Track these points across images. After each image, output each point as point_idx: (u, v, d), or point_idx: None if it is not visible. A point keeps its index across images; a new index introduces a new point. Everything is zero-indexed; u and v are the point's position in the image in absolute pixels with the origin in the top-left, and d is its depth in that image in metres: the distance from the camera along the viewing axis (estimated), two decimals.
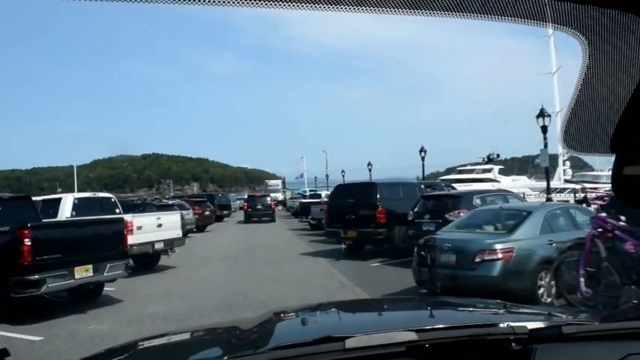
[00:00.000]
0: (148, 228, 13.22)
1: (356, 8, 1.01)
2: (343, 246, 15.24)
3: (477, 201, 13.22)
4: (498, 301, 2.26)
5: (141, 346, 2.04)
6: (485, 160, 65.92)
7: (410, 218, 13.79)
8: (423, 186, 17.51)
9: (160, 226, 13.56)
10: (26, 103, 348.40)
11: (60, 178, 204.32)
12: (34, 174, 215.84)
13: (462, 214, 12.66)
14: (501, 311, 2.05)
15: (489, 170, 58.25)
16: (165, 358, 1.98)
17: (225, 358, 1.47)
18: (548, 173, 22.14)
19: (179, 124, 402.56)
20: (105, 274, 9.23)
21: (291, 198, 49.63)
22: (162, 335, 2.25)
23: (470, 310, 2.36)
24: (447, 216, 12.80)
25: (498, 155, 68.17)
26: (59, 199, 13.91)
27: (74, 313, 8.84)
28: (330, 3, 0.97)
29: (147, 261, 14.26)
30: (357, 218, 15.16)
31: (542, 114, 19.60)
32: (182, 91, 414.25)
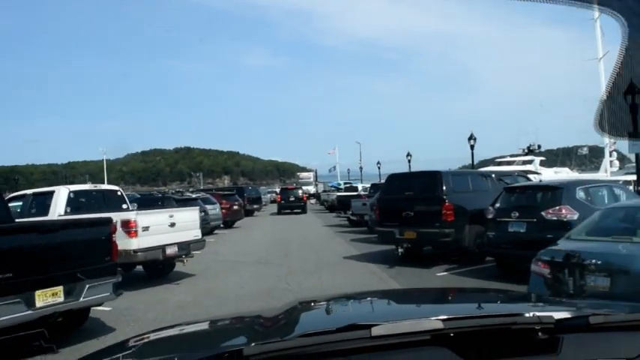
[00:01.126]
0: (158, 228, 10.44)
1: None
2: (400, 250, 12.18)
3: (580, 194, 9.99)
4: (524, 291, 2.47)
5: (165, 334, 2.00)
6: (526, 151, 62.09)
7: (490, 216, 10.66)
8: (493, 176, 14.27)
9: (173, 225, 10.75)
10: (61, 98, 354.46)
11: (94, 172, 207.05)
12: (70, 168, 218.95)
13: (564, 211, 9.51)
14: (528, 301, 2.13)
15: (530, 162, 54.65)
16: (189, 345, 1.85)
17: (253, 344, 1.33)
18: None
19: (211, 118, 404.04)
20: (82, 298, 6.43)
21: (325, 191, 46.60)
22: (187, 323, 2.17)
23: (496, 300, 2.32)
24: (543, 214, 9.64)
25: (539, 146, 64.00)
26: (52, 192, 11.27)
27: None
28: None
29: (160, 268, 11.55)
30: (416, 215, 12.11)
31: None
32: (215, 86, 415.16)
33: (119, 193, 12.42)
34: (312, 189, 62.60)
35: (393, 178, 13.48)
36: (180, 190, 27.37)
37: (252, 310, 2.37)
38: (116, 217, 9.70)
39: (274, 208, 39.69)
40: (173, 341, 1.97)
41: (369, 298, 2.58)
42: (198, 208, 11.75)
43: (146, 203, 18.53)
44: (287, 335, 1.47)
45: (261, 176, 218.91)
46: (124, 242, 9.74)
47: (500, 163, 64.02)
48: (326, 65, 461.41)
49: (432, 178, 12.23)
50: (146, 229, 10.14)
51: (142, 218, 10.16)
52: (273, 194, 47.98)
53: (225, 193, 27.49)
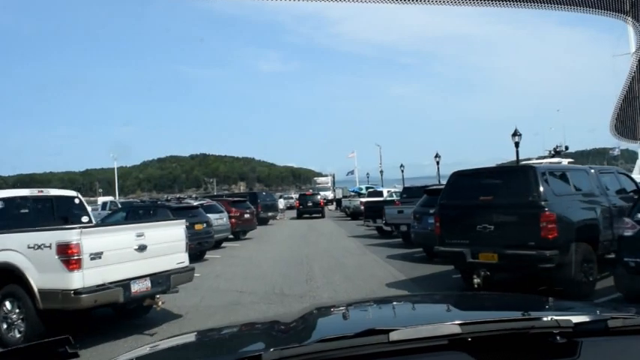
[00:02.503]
0: (118, 255, 6.75)
1: (408, 1, 1.14)
2: (476, 280, 8.26)
3: None
4: (542, 296, 2.26)
5: (183, 340, 1.99)
6: (552, 152, 58.06)
7: (629, 232, 6.79)
8: (593, 172, 10.31)
9: (142, 249, 7.04)
10: (79, 106, 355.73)
11: (111, 179, 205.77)
12: (87, 175, 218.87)
13: None
14: (545, 305, 2.06)
15: (557, 164, 50.52)
16: (208, 351, 1.87)
17: (271, 350, 1.28)
18: None
19: (227, 124, 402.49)
20: None
21: (345, 196, 42.64)
22: (204, 330, 2.19)
23: (514, 305, 2.27)
24: None
25: (567, 147, 59.83)
26: None
27: None
28: None
29: (132, 309, 7.87)
30: (499, 229, 8.27)
31: None
32: (229, 92, 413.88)
33: (77, 200, 8.78)
34: (329, 194, 58.75)
35: (459, 176, 9.54)
36: (181, 196, 23.44)
37: (270, 316, 2.44)
38: (50, 238, 6.08)
39: (291, 214, 38.58)
40: (191, 348, 1.93)
41: (386, 303, 2.51)
42: (183, 222, 7.93)
43: (133, 214, 14.93)
44: (305, 340, 1.45)
45: (277, 182, 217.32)
46: (59, 278, 6.17)
47: None
48: (341, 70, 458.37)
49: (523, 175, 8.35)
50: (97, 256, 6.46)
51: (90, 240, 6.45)
52: (290, 200, 45.41)
53: (236, 199, 23.77)
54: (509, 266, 8.40)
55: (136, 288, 6.97)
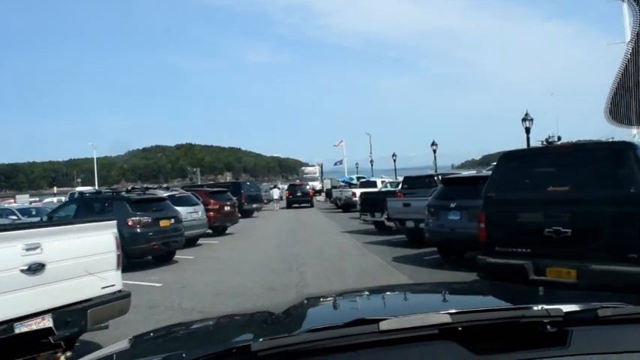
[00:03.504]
0: None
1: None
2: None
3: None
4: (532, 286, 2.28)
5: (173, 332, 1.97)
6: (545, 143, 55.69)
7: None
8: None
9: (37, 270, 4.29)
10: (62, 95, 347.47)
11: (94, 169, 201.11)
12: (72, 165, 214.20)
13: None
14: (535, 295, 2.02)
15: None
16: (198, 340, 1.80)
17: (260, 339, 1.27)
18: None
19: (213, 114, 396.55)
20: None
21: (335, 187, 39.83)
22: (192, 321, 2.14)
23: (503, 294, 2.26)
24: None
25: (560, 138, 57.76)
26: None
27: None
28: None
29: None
30: (580, 235, 5.65)
31: None
32: (217, 82, 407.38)
33: None
34: (317, 185, 56.01)
35: (515, 158, 6.84)
36: (150, 186, 20.51)
37: (260, 306, 2.38)
38: None
39: (277, 206, 37.02)
40: (181, 337, 1.91)
41: (377, 293, 2.43)
42: (113, 225, 5.12)
43: (84, 208, 12.08)
44: (295, 330, 1.43)
45: (263, 172, 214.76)
46: None
47: None
48: (329, 62, 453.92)
49: (617, 156, 5.66)
50: None
51: None
52: (276, 190, 44.19)
53: (215, 190, 20.90)
54: (594, 287, 5.77)
55: (24, 329, 4.23)
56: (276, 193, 38.46)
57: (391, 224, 14.74)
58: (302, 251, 14.19)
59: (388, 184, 28.12)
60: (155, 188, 16.95)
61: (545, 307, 1.34)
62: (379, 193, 19.66)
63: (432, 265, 10.84)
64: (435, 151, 37.76)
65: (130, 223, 11.45)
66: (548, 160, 6.34)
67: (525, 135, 23.16)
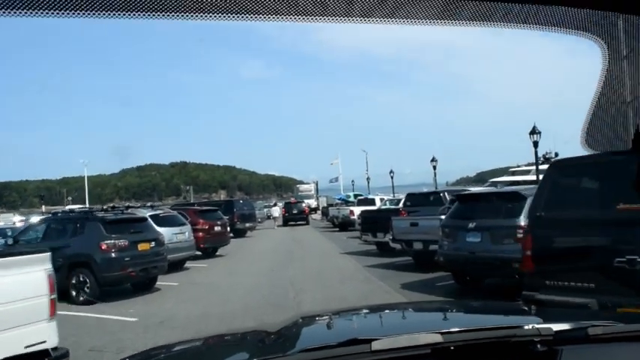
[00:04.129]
0: None
1: (388, 20, 1.05)
2: None
3: None
4: (524, 304, 2.34)
5: (168, 351, 1.95)
6: (542, 159, 55.25)
7: None
8: None
9: None
10: (57, 113, 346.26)
11: (89, 188, 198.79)
12: (64, 183, 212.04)
13: None
14: (526, 313, 2.07)
15: None
16: None
17: None
18: None
19: (207, 133, 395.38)
20: None
21: (332, 205, 38.34)
22: (188, 341, 2.13)
23: (495, 313, 2.27)
24: None
25: (557, 154, 57.19)
26: None
27: None
28: (363, 15, 1.02)
29: None
30: None
31: None
32: (210, 99, 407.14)
33: None
34: (313, 202, 54.61)
35: (569, 168, 5.40)
36: (130, 205, 18.89)
37: (255, 326, 2.29)
38: None
39: (272, 224, 36.17)
40: (177, 356, 1.90)
41: (371, 312, 2.46)
42: (46, 258, 3.76)
43: (54, 230, 10.68)
44: (289, 350, 1.45)
45: (258, 190, 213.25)
46: None
47: (514, 173, 57.77)
48: (323, 77, 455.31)
49: None
50: None
51: None
52: (270, 208, 44.12)
53: (205, 209, 19.48)
54: None
55: None
56: (276, 211, 38.14)
57: (397, 246, 13.35)
58: (299, 275, 12.78)
59: (387, 202, 26.77)
60: (138, 207, 15.53)
61: (536, 325, 1.35)
62: (380, 211, 18.34)
63: (447, 293, 9.45)
64: (434, 167, 36.57)
65: (103, 247, 10.02)
66: (616, 170, 5.00)
67: (534, 149, 21.97)
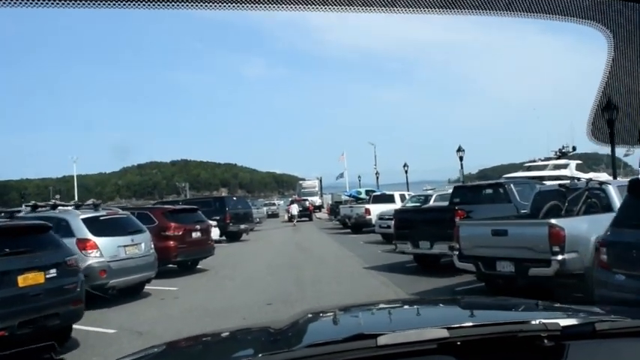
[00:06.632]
0: None
1: (389, 10, 1.04)
2: None
3: None
4: (530, 300, 2.07)
5: (173, 346, 1.94)
6: (558, 154, 50.92)
7: None
8: None
9: None
10: (57, 111, 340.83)
11: (89, 186, 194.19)
12: (64, 182, 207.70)
13: None
14: (533, 309, 1.95)
15: (565, 166, 43.91)
16: (199, 356, 1.83)
17: (260, 355, 1.35)
18: None
19: (208, 130, 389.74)
20: None
21: (341, 202, 33.19)
22: (193, 337, 2.09)
23: (502, 308, 2.20)
24: None
25: (575, 148, 52.39)
26: None
27: None
28: (363, 5, 1.01)
29: None
30: None
31: None
32: (212, 98, 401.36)
33: None
34: (317, 200, 49.71)
35: None
36: (58, 202, 14.15)
37: (261, 322, 2.25)
38: None
39: (273, 224, 34.78)
40: (183, 353, 1.89)
41: (376, 308, 2.37)
42: None
43: None
44: (295, 346, 1.42)
45: (259, 188, 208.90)
46: None
47: (530, 168, 53.00)
48: (325, 75, 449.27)
49: None
50: None
51: None
52: (270, 207, 40.68)
53: (179, 207, 14.34)
54: None
55: None
56: (294, 209, 36.14)
57: (466, 266, 8.32)
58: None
59: (416, 198, 21.73)
60: (70, 205, 10.48)
61: (543, 321, 1.32)
62: (424, 211, 13.26)
63: None
64: (461, 158, 31.51)
65: None
66: None
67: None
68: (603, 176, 43.02)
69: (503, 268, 7.60)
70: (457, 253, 8.38)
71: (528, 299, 2.14)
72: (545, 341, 1.25)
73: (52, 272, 5.98)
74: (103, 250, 8.85)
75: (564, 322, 1.33)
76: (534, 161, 53.77)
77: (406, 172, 39.90)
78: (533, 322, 1.33)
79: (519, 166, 55.43)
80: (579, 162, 47.08)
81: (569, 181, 12.05)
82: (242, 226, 22.22)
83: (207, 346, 1.90)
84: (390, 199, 23.87)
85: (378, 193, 26.82)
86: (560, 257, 7.03)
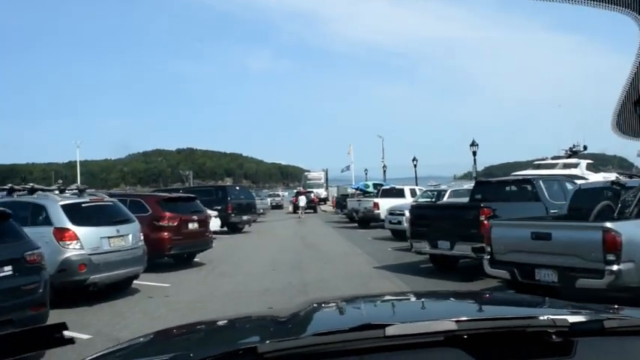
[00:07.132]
0: None
1: None
2: None
3: None
4: (538, 295, 2.08)
5: (180, 331, 1.91)
6: (569, 152, 49.31)
7: None
8: None
9: None
10: (64, 98, 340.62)
11: (95, 172, 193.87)
12: (70, 167, 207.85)
13: None
14: (542, 305, 1.97)
15: (575, 165, 42.21)
16: (205, 342, 1.71)
17: (267, 342, 1.25)
18: None
19: (215, 120, 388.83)
20: None
21: (347, 195, 32.03)
22: (199, 323, 1.98)
23: (510, 304, 2.26)
24: None
25: (586, 147, 50.88)
26: None
27: None
28: None
29: None
30: None
31: None
32: (218, 88, 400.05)
33: None
34: (323, 192, 48.67)
35: None
36: (36, 186, 12.92)
37: (267, 310, 2.26)
38: None
39: (276, 216, 34.41)
40: (188, 338, 1.84)
41: (383, 300, 2.34)
42: None
43: None
44: (301, 334, 1.40)
45: (264, 179, 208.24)
46: None
47: (539, 166, 51.58)
48: (331, 69, 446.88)
49: None
50: None
51: None
52: (274, 198, 43.58)
53: (175, 196, 13.24)
54: None
55: None
56: (302, 201, 35.39)
57: (500, 273, 7.16)
58: None
59: (427, 192, 20.60)
60: (51, 189, 9.30)
61: (552, 317, 1.30)
62: (441, 208, 12.09)
63: None
64: (474, 153, 30.36)
65: None
66: None
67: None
68: (613, 177, 41.64)
69: (544, 277, 6.47)
70: (488, 257, 7.23)
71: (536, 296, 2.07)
72: (554, 337, 1.23)
73: (6, 270, 4.91)
74: (83, 242, 7.79)
75: (573, 318, 1.31)
76: (544, 159, 52.43)
77: (415, 166, 38.64)
78: (541, 318, 1.30)
79: (526, 165, 54.11)
80: (590, 161, 45.58)
81: (621, 177, 10.88)
82: (244, 218, 21.13)
83: (213, 332, 1.86)
84: (399, 193, 22.73)
85: (387, 187, 25.63)
86: (615, 267, 5.91)
